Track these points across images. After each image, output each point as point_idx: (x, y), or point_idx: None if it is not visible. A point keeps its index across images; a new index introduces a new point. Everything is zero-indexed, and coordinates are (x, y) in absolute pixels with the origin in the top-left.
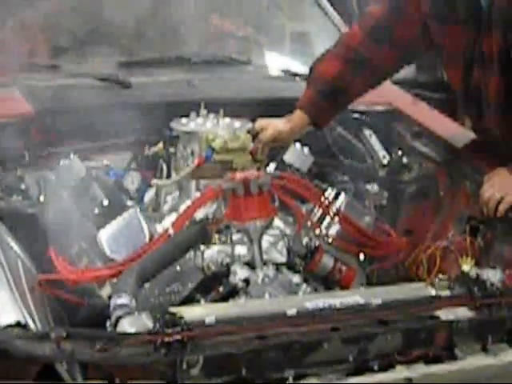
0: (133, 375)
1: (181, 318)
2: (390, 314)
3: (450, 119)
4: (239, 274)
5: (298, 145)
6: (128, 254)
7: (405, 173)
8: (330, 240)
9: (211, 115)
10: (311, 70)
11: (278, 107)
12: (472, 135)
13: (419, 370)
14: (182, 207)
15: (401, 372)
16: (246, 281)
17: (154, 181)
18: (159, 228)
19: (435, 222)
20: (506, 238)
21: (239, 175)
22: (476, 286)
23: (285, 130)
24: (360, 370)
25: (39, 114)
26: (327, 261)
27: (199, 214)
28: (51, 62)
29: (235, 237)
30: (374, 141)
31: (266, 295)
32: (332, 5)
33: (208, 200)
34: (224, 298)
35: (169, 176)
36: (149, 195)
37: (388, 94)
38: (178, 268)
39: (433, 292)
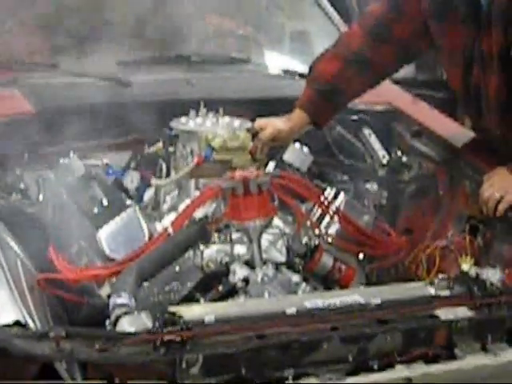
0: (132, 374)
1: (180, 317)
2: (390, 313)
3: (450, 119)
4: (238, 273)
5: (297, 144)
6: (127, 253)
7: (404, 172)
8: (329, 239)
9: (211, 114)
10: (311, 69)
11: (277, 106)
12: (472, 134)
13: (419, 369)
14: (182, 206)
15: (400, 372)
16: (246, 280)
17: (154, 180)
18: (158, 227)
19: (435, 222)
20: (506, 238)
21: (239, 174)
22: (476, 286)
23: (284, 129)
24: (359, 369)
25: (39, 112)
26: (327, 260)
27: (199, 214)
28: (51, 61)
29: (235, 236)
30: (374, 140)
31: (266, 294)
32: (332, 4)
33: (207, 199)
34: (223, 297)
35: (168, 175)
36: (148, 194)
37: (388, 94)
38: (178, 267)
39: (432, 291)
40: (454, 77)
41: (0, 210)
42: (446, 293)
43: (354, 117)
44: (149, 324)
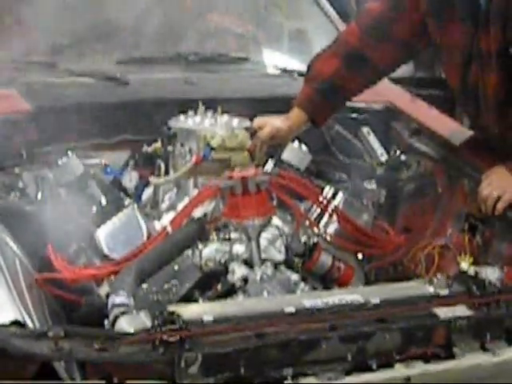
0: (131, 374)
1: (179, 316)
2: (389, 312)
3: (449, 117)
4: (237, 272)
5: (296, 143)
6: (126, 252)
7: (403, 171)
8: (328, 238)
9: (209, 113)
10: (309, 67)
11: (276, 105)
12: (470, 133)
13: (418, 368)
14: (180, 205)
15: (399, 370)
16: (244, 279)
17: (152, 179)
18: (157, 226)
19: (433, 220)
20: (505, 236)
21: (237, 173)
22: (474, 284)
23: (283, 128)
24: (358, 368)
25: (37, 111)
26: (325, 259)
27: (197, 213)
28: (49, 60)
29: (233, 235)
30: (372, 139)
31: (264, 293)
32: (330, 3)
33: (206, 198)
34: (222, 296)
35: (167, 174)
36: (147, 193)
37: (386, 92)
38: (176, 266)
39: (431, 290)
40: (452, 75)
41: None
42: (444, 292)
43: (353, 115)
44: (147, 323)
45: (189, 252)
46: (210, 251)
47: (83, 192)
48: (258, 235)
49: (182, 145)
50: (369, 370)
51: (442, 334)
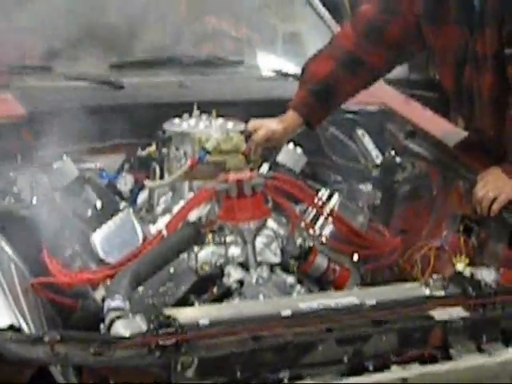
0: (127, 378)
1: (175, 319)
2: (385, 314)
3: (443, 119)
4: (233, 275)
5: (291, 145)
6: (121, 256)
7: (398, 172)
8: (323, 240)
9: (204, 116)
10: (303, 70)
11: (270, 108)
12: (465, 134)
13: (414, 370)
14: (176, 209)
15: (396, 372)
16: (240, 282)
17: (147, 182)
18: (153, 230)
19: (429, 222)
20: (500, 237)
21: (232, 176)
22: (470, 286)
23: (278, 131)
24: (355, 370)
25: (31, 115)
26: (321, 261)
27: (193, 216)
28: (44, 64)
29: (229, 238)
30: (367, 141)
31: (260, 296)
32: (324, 5)
33: (201, 201)
34: (218, 300)
35: (162, 177)
36: (142, 197)
37: (381, 94)
38: (172, 269)
39: (427, 292)
40: (446, 77)
41: None
42: (440, 293)
43: (348, 117)
44: (143, 327)
45: (184, 255)
46: (206, 254)
47: (78, 196)
48: (254, 238)
49: (176, 148)
50: (365, 371)
51: (438, 335)
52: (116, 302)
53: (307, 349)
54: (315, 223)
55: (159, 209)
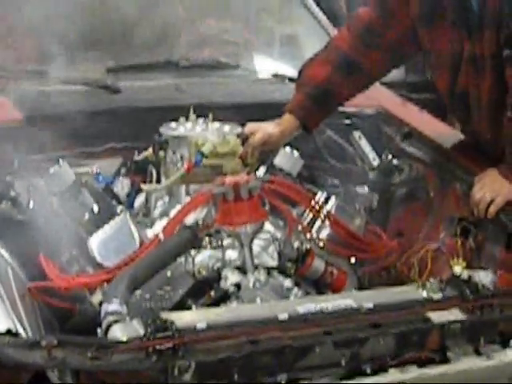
0: (124, 382)
1: (172, 323)
2: (382, 317)
3: (440, 120)
4: (230, 278)
5: (287, 148)
6: (119, 259)
7: (395, 175)
8: (320, 243)
9: (200, 120)
10: (300, 73)
11: (267, 111)
12: (461, 136)
13: (412, 372)
14: (173, 212)
15: (394, 375)
16: (238, 285)
17: (144, 186)
18: (150, 233)
19: (426, 224)
20: (497, 240)
21: (229, 180)
22: (468, 288)
23: (274, 134)
24: (353, 373)
25: (28, 120)
26: (318, 264)
27: (190, 219)
28: (40, 69)
29: (226, 241)
30: (364, 143)
31: (258, 300)
32: (321, 8)
33: (198, 205)
34: (215, 303)
35: (159, 181)
36: (139, 201)
37: (377, 96)
38: (169, 273)
39: (424, 294)
40: (441, 80)
41: None
42: (438, 296)
43: (344, 120)
44: (140, 331)
45: (181, 259)
46: (203, 258)
47: (75, 200)
48: (251, 241)
49: (173, 152)
50: (363, 374)
51: (435, 338)
52: (113, 306)
53: (304, 352)
54: (312, 226)
55: (156, 212)
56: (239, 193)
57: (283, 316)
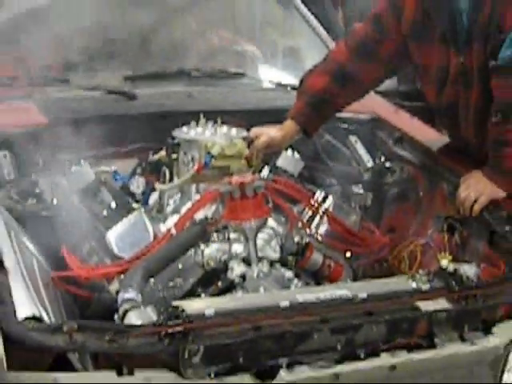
0: (139, 364)
1: (183, 310)
2: (375, 306)
3: (429, 126)
4: (236, 269)
5: (289, 151)
6: (134, 252)
7: (388, 176)
8: (319, 238)
9: (210, 124)
10: (301, 82)
11: (271, 116)
12: (449, 141)
13: (402, 357)
14: (184, 209)
15: (385, 359)
16: (243, 276)
17: (158, 185)
18: (163, 228)
19: (415, 221)
20: (481, 235)
21: (236, 179)
22: (453, 280)
23: (277, 138)
24: (348, 357)
25: (52, 124)
26: (317, 257)
27: (199, 215)
28: (63, 77)
29: (232, 236)
30: (359, 147)
31: (261, 289)
32: (320, 23)
33: (207, 202)
34: (222, 292)
35: (171, 180)
36: (153, 198)
37: (372, 104)
38: (180, 265)
39: (414, 285)
40: (429, 92)
41: (17, 213)
42: (426, 287)
43: (341, 125)
44: (154, 317)
45: (192, 252)
46: (211, 251)
47: (95, 197)
48: (255, 235)
49: (185, 153)
50: (357, 358)
51: (423, 325)
52: (129, 294)
53: (304, 338)
54: (311, 222)
55: (169, 209)
56: (245, 191)
57: (284, 304)
